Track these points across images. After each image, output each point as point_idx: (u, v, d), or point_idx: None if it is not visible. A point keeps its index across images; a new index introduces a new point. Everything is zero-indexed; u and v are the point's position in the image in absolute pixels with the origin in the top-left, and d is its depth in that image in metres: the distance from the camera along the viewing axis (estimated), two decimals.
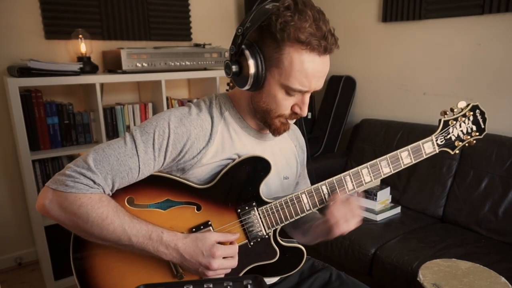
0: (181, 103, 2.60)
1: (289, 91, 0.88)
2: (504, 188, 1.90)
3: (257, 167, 0.95)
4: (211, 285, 0.61)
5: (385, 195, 2.14)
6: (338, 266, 1.23)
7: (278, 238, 1.00)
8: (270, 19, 0.83)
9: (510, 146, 1.94)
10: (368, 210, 2.09)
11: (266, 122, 0.95)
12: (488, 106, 2.12)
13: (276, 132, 0.96)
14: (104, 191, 0.86)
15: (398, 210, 2.17)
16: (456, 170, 2.11)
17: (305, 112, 0.92)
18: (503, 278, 1.33)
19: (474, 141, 1.08)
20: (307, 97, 0.91)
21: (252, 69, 0.86)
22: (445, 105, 2.35)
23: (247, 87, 0.89)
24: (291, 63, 0.84)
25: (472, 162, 2.04)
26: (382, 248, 1.82)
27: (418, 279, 1.36)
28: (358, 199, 0.98)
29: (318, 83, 0.88)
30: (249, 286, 0.61)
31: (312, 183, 1.22)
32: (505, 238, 1.85)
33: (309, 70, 0.85)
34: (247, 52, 0.86)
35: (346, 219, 0.96)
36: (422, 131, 2.28)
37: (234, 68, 0.90)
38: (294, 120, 0.97)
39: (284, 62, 0.84)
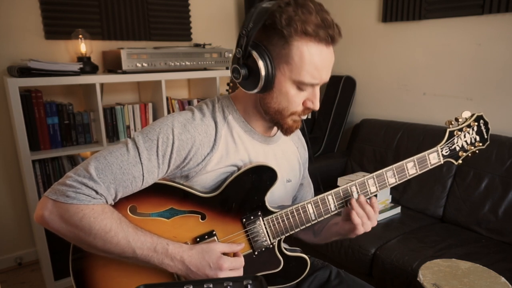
0: (181, 103, 2.60)
1: (300, 86, 0.87)
2: (504, 188, 1.90)
3: (263, 176, 0.94)
4: (211, 285, 0.61)
5: (385, 195, 2.14)
6: (338, 266, 1.22)
7: (283, 248, 0.99)
8: (274, 17, 0.82)
9: (510, 146, 1.94)
10: None
11: (278, 123, 0.94)
12: (488, 106, 2.14)
13: (288, 131, 0.95)
14: (106, 201, 0.84)
15: (398, 210, 2.17)
16: (456, 170, 2.11)
17: (317, 105, 0.91)
18: (503, 278, 1.33)
19: (477, 151, 1.08)
20: (317, 90, 0.90)
21: (262, 70, 0.84)
22: (445, 105, 2.36)
23: (257, 89, 0.87)
24: (301, 57, 0.83)
25: (472, 162, 2.04)
26: (382, 248, 1.82)
27: (418, 279, 1.36)
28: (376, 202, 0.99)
29: (327, 75, 0.88)
30: (249, 286, 0.61)
31: (316, 183, 1.23)
32: (505, 238, 1.85)
33: (318, 61, 0.84)
34: (255, 53, 0.84)
35: (369, 217, 0.97)
36: (422, 131, 2.28)
37: (243, 71, 0.87)
38: (306, 117, 0.96)
39: (294, 57, 0.83)
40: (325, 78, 0.88)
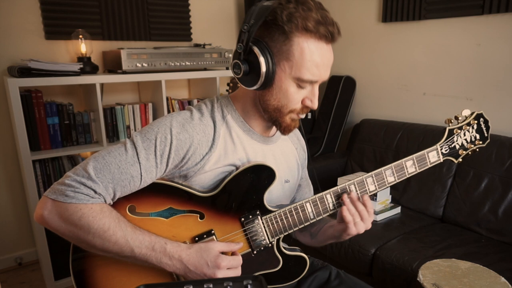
0: (181, 103, 2.60)
1: (300, 83, 0.88)
2: (504, 188, 1.90)
3: (262, 176, 0.94)
4: (211, 285, 0.61)
5: (385, 195, 2.14)
6: (338, 266, 1.23)
7: (281, 247, 0.99)
8: (275, 13, 0.83)
9: (510, 146, 1.94)
10: None
11: (277, 121, 0.94)
12: (488, 106, 2.14)
13: (287, 130, 0.95)
14: (105, 201, 0.84)
15: (398, 210, 2.17)
16: (456, 170, 2.11)
17: (316, 104, 0.91)
18: (503, 278, 1.33)
19: (477, 150, 1.07)
20: (316, 88, 0.91)
21: (263, 66, 0.85)
22: (445, 105, 2.36)
23: (257, 85, 0.88)
24: (302, 53, 0.84)
25: (472, 162, 2.04)
26: (382, 248, 1.82)
27: (418, 279, 1.36)
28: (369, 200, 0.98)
29: (326, 73, 0.89)
30: (249, 286, 0.61)
31: (313, 182, 1.23)
32: (505, 238, 1.85)
33: (318, 59, 0.85)
34: (256, 49, 0.85)
35: (362, 217, 0.95)
36: (422, 131, 2.28)
37: (244, 67, 0.88)
38: (304, 116, 0.96)
39: (295, 53, 0.84)
40: (324, 76, 0.89)
